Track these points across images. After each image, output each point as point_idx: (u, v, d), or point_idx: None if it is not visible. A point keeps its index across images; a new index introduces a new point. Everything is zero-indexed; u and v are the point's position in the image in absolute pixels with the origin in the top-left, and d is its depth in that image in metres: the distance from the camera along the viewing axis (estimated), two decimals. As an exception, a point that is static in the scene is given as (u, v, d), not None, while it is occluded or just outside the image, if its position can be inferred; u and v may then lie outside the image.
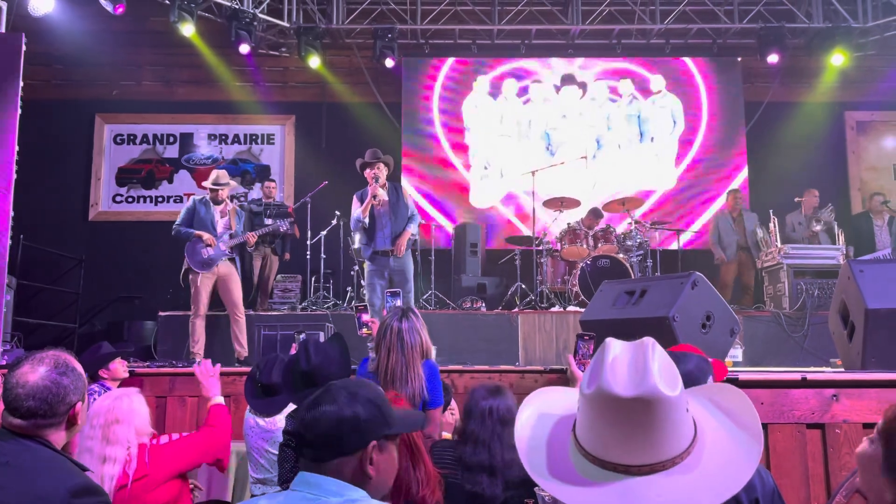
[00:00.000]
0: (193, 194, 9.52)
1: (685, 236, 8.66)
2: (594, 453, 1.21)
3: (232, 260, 6.31)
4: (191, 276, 6.21)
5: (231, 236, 6.26)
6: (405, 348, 3.15)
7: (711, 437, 1.26)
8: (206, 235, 6.16)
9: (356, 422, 1.49)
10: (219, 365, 3.34)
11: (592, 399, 1.20)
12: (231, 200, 6.65)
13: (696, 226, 9.37)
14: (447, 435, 3.33)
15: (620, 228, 8.35)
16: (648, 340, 1.27)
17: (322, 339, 5.85)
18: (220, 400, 3.16)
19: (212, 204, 6.36)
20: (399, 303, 4.12)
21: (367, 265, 6.15)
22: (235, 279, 6.30)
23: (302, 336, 5.85)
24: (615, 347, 1.26)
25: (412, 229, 6.10)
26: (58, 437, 1.85)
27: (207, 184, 6.44)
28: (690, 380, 1.87)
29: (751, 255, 8.24)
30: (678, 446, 1.20)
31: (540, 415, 1.37)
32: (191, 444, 2.81)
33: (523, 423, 1.35)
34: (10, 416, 1.83)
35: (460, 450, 2.54)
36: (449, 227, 9.28)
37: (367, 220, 5.95)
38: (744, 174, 9.58)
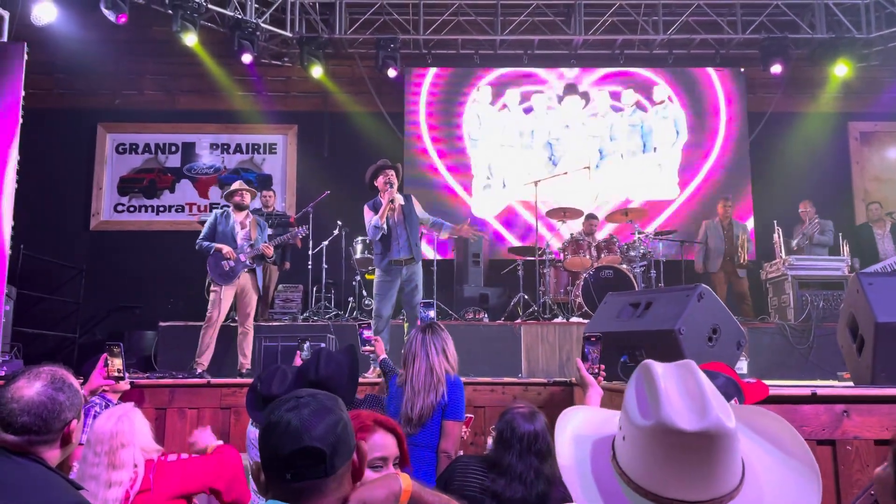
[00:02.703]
0: (195, 204, 9.55)
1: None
2: (647, 487, 1.13)
3: (252, 272, 6.28)
4: (213, 288, 6.20)
5: (251, 247, 6.24)
6: (430, 357, 3.21)
7: (761, 467, 1.20)
8: (225, 248, 6.14)
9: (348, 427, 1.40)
10: (208, 428, 3.24)
11: (649, 432, 1.12)
12: (251, 212, 6.63)
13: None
14: None
15: (623, 238, 8.30)
16: (690, 363, 1.20)
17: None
18: (219, 443, 3.10)
19: (232, 216, 6.35)
20: (433, 313, 4.07)
21: (377, 274, 6.04)
22: (253, 293, 6.30)
23: (306, 345, 5.80)
24: (660, 371, 1.18)
25: (447, 223, 6.21)
26: (52, 456, 1.81)
27: (232, 188, 6.46)
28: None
29: (733, 265, 8.19)
30: (734, 479, 1.14)
31: (575, 437, 1.30)
32: (199, 467, 2.74)
33: (564, 447, 1.28)
34: (3, 432, 1.79)
35: (493, 480, 2.43)
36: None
37: (385, 227, 5.82)
38: (739, 183, 9.55)
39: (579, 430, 1.31)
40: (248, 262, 6.21)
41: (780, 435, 1.27)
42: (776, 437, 1.26)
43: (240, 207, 6.38)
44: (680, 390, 1.15)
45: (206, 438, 3.08)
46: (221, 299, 6.11)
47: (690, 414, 1.11)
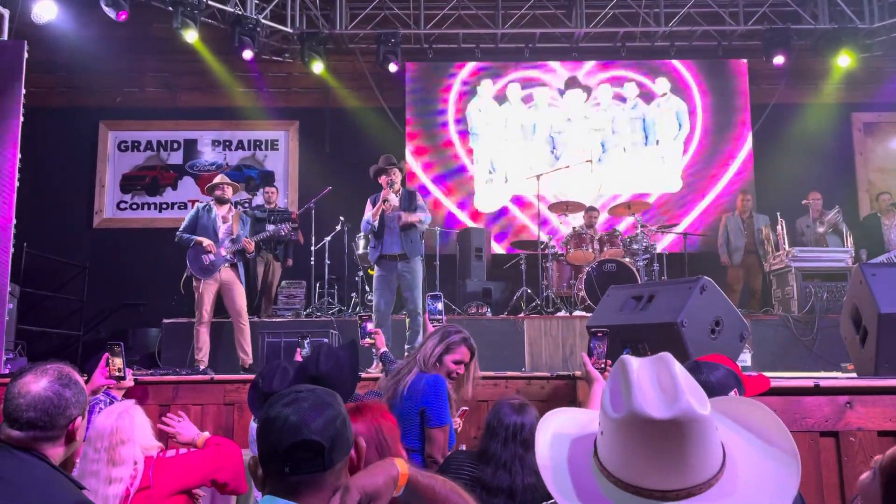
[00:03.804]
0: (198, 201, 9.53)
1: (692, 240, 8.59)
2: (626, 479, 1.14)
3: (234, 266, 6.26)
4: (194, 283, 6.19)
5: (232, 241, 6.23)
6: (415, 357, 3.17)
7: (741, 455, 1.20)
8: (205, 241, 6.13)
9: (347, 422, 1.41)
10: (184, 417, 3.16)
11: (622, 423, 1.13)
12: (235, 206, 6.63)
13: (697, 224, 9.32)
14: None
15: (626, 231, 8.29)
16: (667, 356, 1.20)
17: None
18: (206, 435, 3.07)
19: (214, 209, 6.34)
20: (440, 305, 4.03)
21: (375, 269, 6.13)
22: (238, 286, 6.25)
23: (307, 341, 5.80)
24: (634, 365, 1.19)
25: (421, 215, 6.01)
26: (56, 453, 1.81)
27: (213, 182, 6.45)
28: (707, 390, 1.79)
29: (758, 258, 8.17)
30: (712, 468, 1.14)
31: (554, 435, 1.31)
32: (198, 460, 2.75)
33: (542, 446, 1.29)
34: (8, 427, 1.80)
35: (481, 469, 2.46)
36: (465, 216, 9.23)
37: (376, 224, 5.96)
38: (749, 176, 9.53)
39: (560, 430, 1.32)
40: (228, 257, 6.20)
41: (761, 422, 1.27)
42: (756, 425, 1.26)
43: (221, 201, 6.38)
44: (652, 381, 1.16)
45: (188, 431, 3.04)
46: (202, 295, 6.11)
47: (661, 403, 1.12)
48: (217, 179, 6.46)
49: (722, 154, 9.63)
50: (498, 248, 9.27)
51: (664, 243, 8.42)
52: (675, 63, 9.81)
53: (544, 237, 8.15)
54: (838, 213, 8.00)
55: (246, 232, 6.35)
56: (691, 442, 1.10)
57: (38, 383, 1.82)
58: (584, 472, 1.21)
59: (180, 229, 6.31)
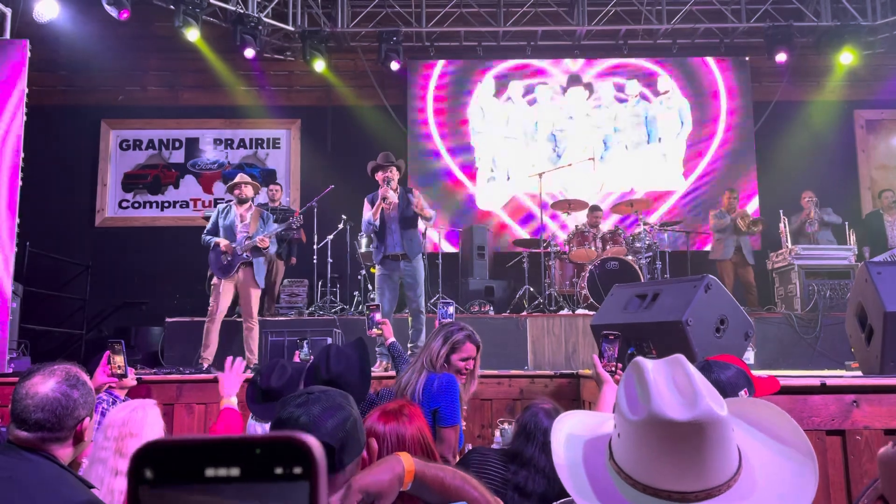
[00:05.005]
0: (199, 199, 9.56)
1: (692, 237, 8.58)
2: (644, 481, 1.14)
3: (249, 265, 6.28)
4: (213, 282, 6.27)
5: (248, 239, 6.25)
6: (420, 359, 3.19)
7: (756, 457, 1.20)
8: (223, 242, 6.18)
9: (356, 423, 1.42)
10: (243, 365, 3.23)
11: (641, 426, 1.13)
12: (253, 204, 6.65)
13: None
14: None
15: (628, 229, 8.28)
16: (680, 357, 1.21)
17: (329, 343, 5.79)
18: (233, 402, 3.10)
19: (233, 209, 6.37)
20: (451, 310, 4.04)
21: (377, 269, 6.13)
22: (250, 287, 6.28)
23: (305, 342, 5.81)
24: (650, 367, 1.19)
25: (432, 212, 6.15)
26: (64, 454, 1.82)
27: (233, 182, 6.47)
28: (717, 390, 1.79)
29: (742, 253, 8.17)
30: (730, 469, 1.14)
31: (568, 436, 1.31)
32: None
33: (558, 445, 1.29)
34: (17, 428, 1.80)
35: (513, 471, 2.43)
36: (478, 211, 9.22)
37: (377, 223, 5.92)
38: (750, 174, 9.52)
39: (573, 431, 1.33)
40: (245, 256, 6.22)
41: (774, 423, 1.27)
42: (769, 426, 1.27)
43: (241, 201, 6.40)
44: (669, 383, 1.16)
45: (226, 385, 3.08)
46: (220, 292, 6.15)
47: (680, 405, 1.12)
48: (236, 179, 6.50)
49: (724, 151, 9.62)
50: (500, 247, 9.27)
51: (667, 241, 8.41)
52: (678, 60, 9.79)
53: (547, 234, 8.14)
54: (812, 206, 7.99)
55: (267, 230, 6.36)
56: (710, 443, 1.11)
57: (45, 384, 1.82)
58: (599, 473, 1.22)
59: (205, 231, 6.38)
